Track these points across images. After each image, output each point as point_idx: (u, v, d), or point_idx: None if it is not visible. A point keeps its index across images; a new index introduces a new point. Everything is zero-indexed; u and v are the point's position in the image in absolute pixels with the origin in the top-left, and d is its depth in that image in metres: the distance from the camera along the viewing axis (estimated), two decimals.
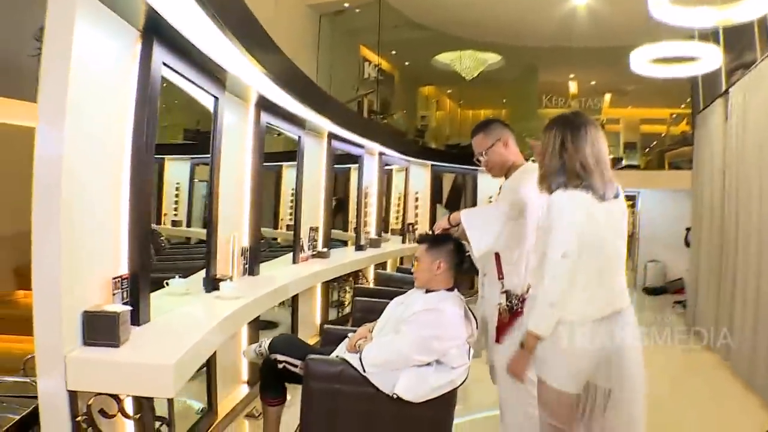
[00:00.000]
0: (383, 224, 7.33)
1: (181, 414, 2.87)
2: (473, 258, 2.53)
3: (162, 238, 3.92)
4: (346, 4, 8.26)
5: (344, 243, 6.49)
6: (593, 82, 11.68)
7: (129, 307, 2.14)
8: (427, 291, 2.58)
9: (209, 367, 3.25)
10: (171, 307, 2.74)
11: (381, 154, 6.82)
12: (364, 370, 2.34)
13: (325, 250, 5.22)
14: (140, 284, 2.32)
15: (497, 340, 2.55)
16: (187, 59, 2.68)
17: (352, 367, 2.37)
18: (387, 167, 7.85)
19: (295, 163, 4.69)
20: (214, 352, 2.98)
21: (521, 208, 2.48)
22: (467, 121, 14.72)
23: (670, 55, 5.99)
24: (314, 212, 5.22)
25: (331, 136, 5.26)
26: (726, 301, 5.11)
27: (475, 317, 2.55)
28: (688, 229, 8.01)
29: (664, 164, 10.57)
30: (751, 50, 5.47)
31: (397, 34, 9.65)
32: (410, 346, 2.35)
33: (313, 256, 5.06)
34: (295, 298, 4.63)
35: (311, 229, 5.10)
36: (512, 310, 2.49)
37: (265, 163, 4.02)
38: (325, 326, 3.05)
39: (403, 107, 12.70)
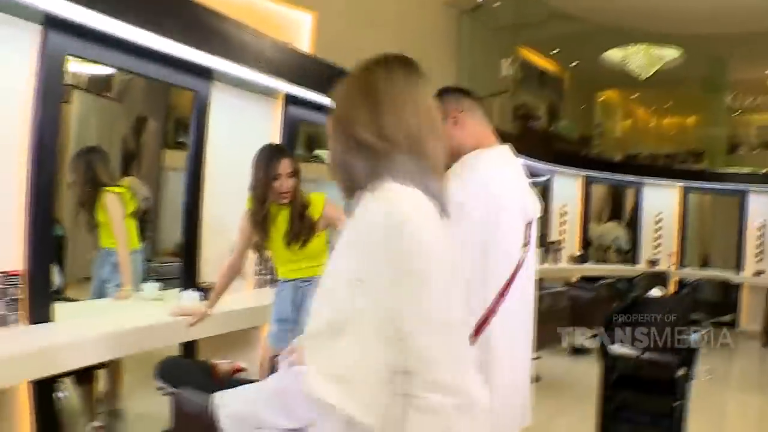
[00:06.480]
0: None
1: None
2: None
3: None
4: None
5: None
6: None
7: None
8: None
9: None
10: (117, 312, 2.59)
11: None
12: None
13: None
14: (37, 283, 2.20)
15: None
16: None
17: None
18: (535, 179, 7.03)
19: None
20: None
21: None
22: (650, 131, 12.73)
23: None
24: None
25: None
26: None
27: None
28: None
29: None
30: None
31: (554, 29, 8.58)
32: (266, 400, 1.52)
33: None
34: None
35: None
36: None
37: None
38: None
39: (575, 114, 11.38)
